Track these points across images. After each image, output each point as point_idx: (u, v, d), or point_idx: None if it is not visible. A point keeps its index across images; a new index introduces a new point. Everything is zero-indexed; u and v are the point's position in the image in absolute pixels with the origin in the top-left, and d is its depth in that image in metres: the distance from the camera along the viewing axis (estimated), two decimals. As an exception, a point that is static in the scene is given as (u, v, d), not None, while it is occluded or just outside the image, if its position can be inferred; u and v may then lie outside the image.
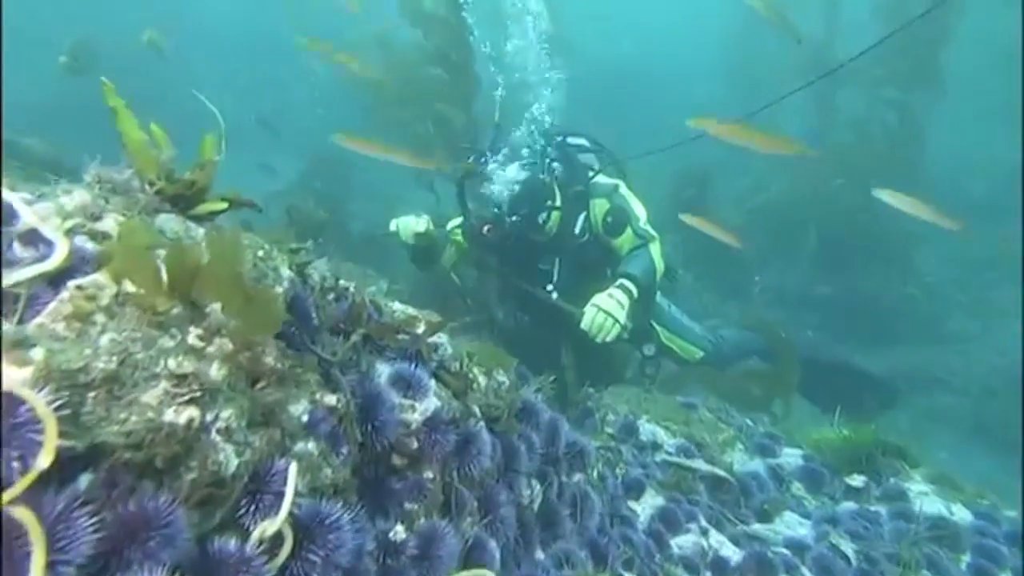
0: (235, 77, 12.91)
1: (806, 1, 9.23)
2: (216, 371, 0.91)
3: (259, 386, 0.99)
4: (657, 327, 3.57)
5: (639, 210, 3.26)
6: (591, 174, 3.34)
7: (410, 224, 3.27)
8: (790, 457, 2.70)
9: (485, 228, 3.16)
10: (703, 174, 8.37)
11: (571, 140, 3.52)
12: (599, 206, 3.26)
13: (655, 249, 3.17)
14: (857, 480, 2.46)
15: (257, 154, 12.18)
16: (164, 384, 0.83)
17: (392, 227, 3.31)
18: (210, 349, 0.93)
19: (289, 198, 9.57)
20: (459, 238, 3.54)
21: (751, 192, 9.52)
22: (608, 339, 2.77)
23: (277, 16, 13.37)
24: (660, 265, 3.16)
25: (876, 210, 8.36)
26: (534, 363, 3.59)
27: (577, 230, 3.25)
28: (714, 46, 13.68)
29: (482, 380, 1.57)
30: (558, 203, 3.23)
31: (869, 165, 8.21)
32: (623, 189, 3.35)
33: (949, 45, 7.53)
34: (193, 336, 0.93)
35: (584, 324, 2.76)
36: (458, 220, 3.58)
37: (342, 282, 1.41)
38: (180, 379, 0.85)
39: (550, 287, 3.24)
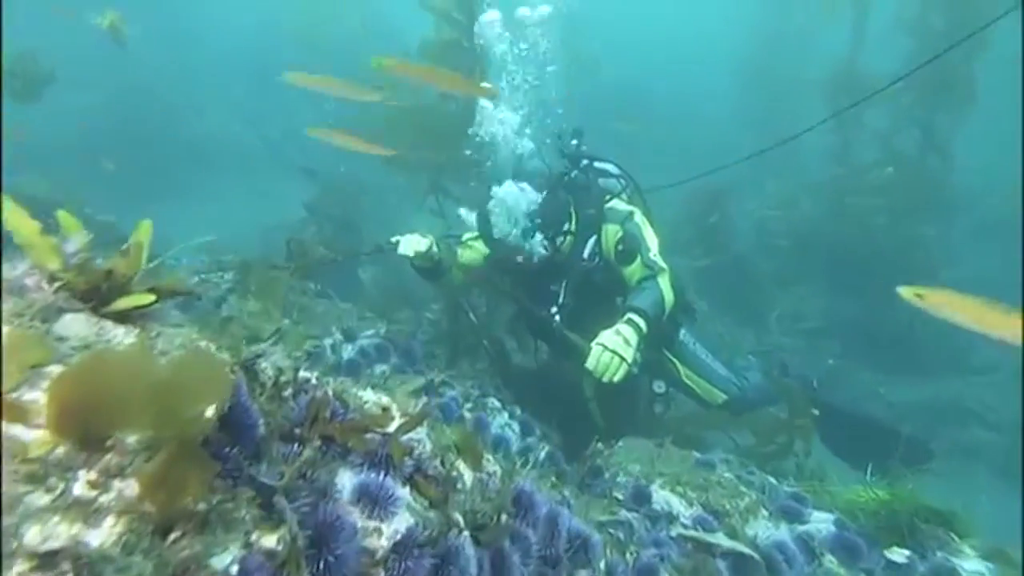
0: (242, 102, 12.97)
1: (834, 15, 9.07)
2: (107, 532, 0.72)
3: (172, 538, 0.79)
4: (679, 365, 3.46)
5: (651, 240, 3.17)
6: (607, 199, 3.29)
7: (412, 241, 3.20)
8: (820, 523, 2.44)
9: (520, 258, 3.09)
10: (717, 194, 8.14)
11: (597, 164, 3.47)
12: (611, 232, 3.17)
13: (663, 281, 3.05)
14: (898, 555, 2.20)
15: (263, 180, 12.20)
16: (19, 569, 0.63)
17: (394, 239, 3.23)
18: (104, 499, 0.74)
19: (296, 229, 9.52)
20: (466, 258, 3.46)
21: (768, 212, 9.29)
22: (616, 379, 2.61)
23: (286, 40, 13.46)
24: (669, 297, 3.05)
25: (900, 230, 8.16)
26: (548, 401, 3.50)
27: (586, 254, 3.17)
28: (724, 62, 13.55)
29: (468, 476, 1.37)
30: (573, 227, 3.19)
31: (894, 183, 7.97)
32: (638, 217, 3.27)
33: (979, 59, 7.28)
34: (82, 484, 0.74)
35: (590, 364, 2.64)
36: (469, 235, 3.50)
37: (303, 373, 1.22)
38: (44, 558, 0.65)
39: (554, 309, 3.15)
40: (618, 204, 3.29)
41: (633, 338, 2.68)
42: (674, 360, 3.46)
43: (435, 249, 3.19)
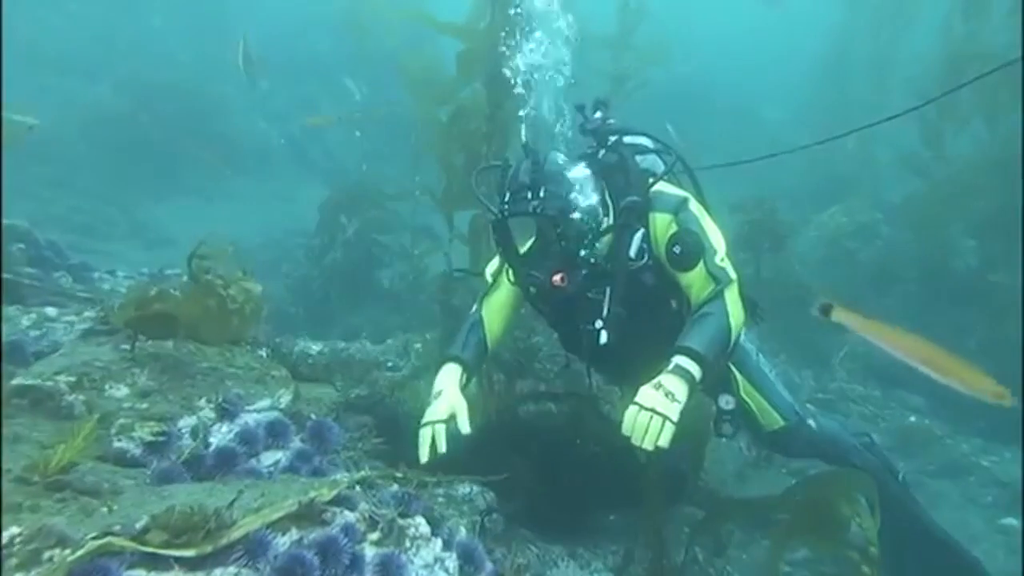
0: (268, 97, 12.42)
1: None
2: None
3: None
4: (739, 376, 2.82)
5: (715, 238, 2.48)
6: (651, 181, 2.59)
7: (439, 437, 2.35)
8: None
9: (559, 277, 2.44)
10: (768, 206, 6.84)
11: (628, 139, 2.80)
12: (661, 224, 2.52)
13: (731, 297, 2.37)
14: None
15: (283, 180, 11.62)
16: None
17: (425, 452, 2.35)
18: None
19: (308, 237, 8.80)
20: (498, 303, 2.77)
21: (836, 231, 7.98)
22: (660, 444, 2.09)
23: (317, 37, 12.88)
24: (738, 320, 2.38)
25: (999, 256, 6.71)
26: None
27: (633, 252, 2.52)
28: (783, 63, 12.19)
29: None
30: (612, 220, 2.56)
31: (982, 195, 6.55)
32: (693, 205, 2.55)
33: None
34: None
35: (625, 429, 2.14)
36: (490, 269, 2.84)
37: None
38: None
39: (599, 323, 2.52)
40: (666, 188, 2.63)
41: (682, 391, 2.15)
42: (733, 370, 2.80)
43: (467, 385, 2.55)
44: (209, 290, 2.40)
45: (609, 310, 2.53)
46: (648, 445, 2.08)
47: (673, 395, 2.13)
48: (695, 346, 2.23)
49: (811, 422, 2.98)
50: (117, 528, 1.45)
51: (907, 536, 2.91)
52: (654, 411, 2.10)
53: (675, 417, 2.11)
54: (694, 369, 2.19)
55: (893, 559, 2.89)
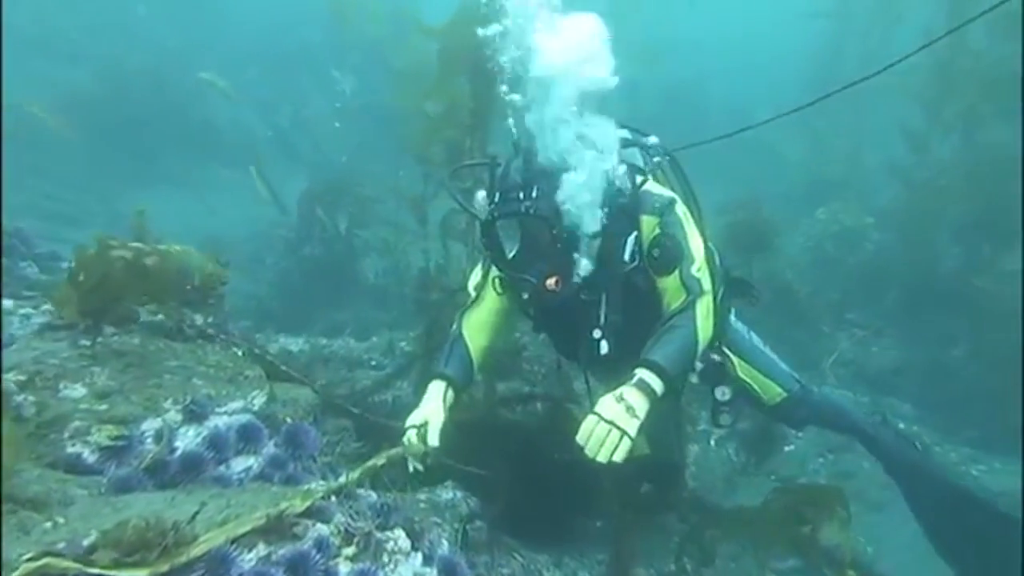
0: (255, 85, 12.16)
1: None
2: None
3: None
4: (733, 358, 2.81)
5: (695, 244, 2.44)
6: (639, 180, 2.53)
7: (420, 416, 2.42)
8: None
9: (552, 281, 2.37)
10: (753, 207, 6.72)
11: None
12: (648, 226, 2.47)
13: (702, 310, 2.32)
14: None
15: (268, 171, 11.36)
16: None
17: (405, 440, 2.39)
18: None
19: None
20: (480, 320, 2.71)
21: (824, 234, 7.94)
22: (616, 459, 2.07)
23: (308, 28, 12.66)
24: (706, 334, 2.35)
25: (987, 266, 6.71)
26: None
27: (627, 255, 2.48)
28: (776, 65, 12.18)
29: None
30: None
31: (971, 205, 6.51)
32: (680, 208, 2.50)
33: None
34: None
35: (580, 438, 2.11)
36: (472, 281, 2.75)
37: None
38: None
39: (598, 333, 2.51)
40: (653, 187, 2.57)
41: (642, 406, 2.13)
42: (728, 353, 2.79)
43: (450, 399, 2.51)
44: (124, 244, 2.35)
45: (606, 318, 2.48)
46: (603, 458, 2.06)
47: (634, 410, 2.11)
48: (660, 360, 2.21)
49: (814, 389, 3.02)
50: (60, 546, 1.31)
51: (936, 499, 2.91)
52: (613, 424, 2.08)
53: (633, 432, 2.09)
54: (656, 384, 2.17)
55: (928, 524, 2.94)
